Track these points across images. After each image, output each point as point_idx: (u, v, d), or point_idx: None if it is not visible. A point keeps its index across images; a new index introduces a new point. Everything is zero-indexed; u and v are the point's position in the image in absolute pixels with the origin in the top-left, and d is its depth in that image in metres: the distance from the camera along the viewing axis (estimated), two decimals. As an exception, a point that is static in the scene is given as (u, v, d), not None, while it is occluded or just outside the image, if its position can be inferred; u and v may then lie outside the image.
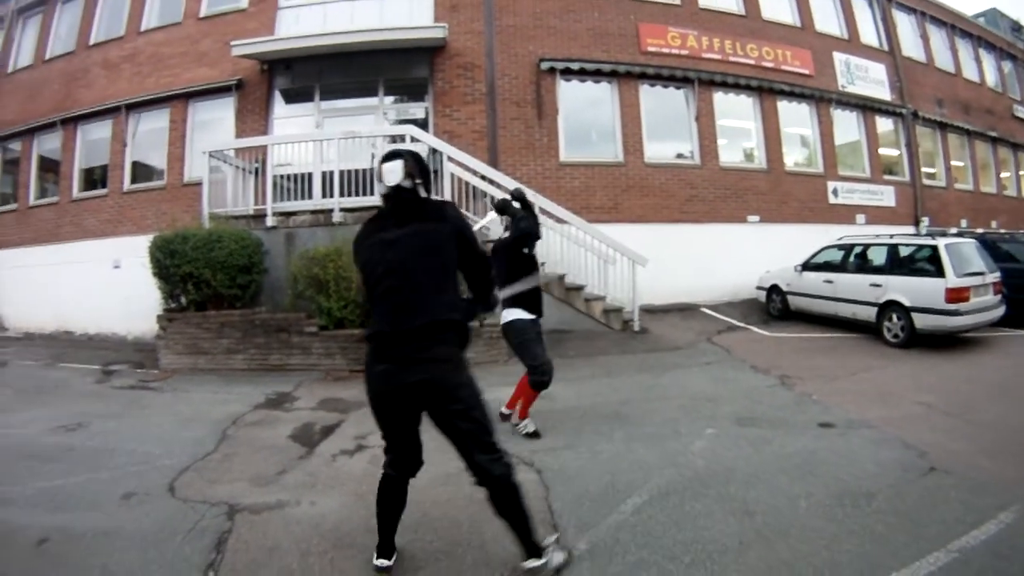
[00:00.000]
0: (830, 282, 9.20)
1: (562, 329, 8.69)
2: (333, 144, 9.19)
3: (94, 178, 13.33)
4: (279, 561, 3.07)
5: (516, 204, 4.89)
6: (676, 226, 11.41)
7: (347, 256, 7.60)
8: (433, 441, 2.82)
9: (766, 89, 12.46)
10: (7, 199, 14.64)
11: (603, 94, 11.70)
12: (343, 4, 11.59)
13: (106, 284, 10.99)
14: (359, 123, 10.99)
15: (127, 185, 12.65)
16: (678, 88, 11.97)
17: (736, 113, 12.50)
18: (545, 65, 11.22)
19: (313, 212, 9.11)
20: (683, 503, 3.49)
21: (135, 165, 12.83)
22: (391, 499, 2.78)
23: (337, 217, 8.79)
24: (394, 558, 2.85)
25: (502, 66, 10.85)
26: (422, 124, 10.99)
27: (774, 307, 10.45)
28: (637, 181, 11.44)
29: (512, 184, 9.01)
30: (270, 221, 8.99)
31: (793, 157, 13.09)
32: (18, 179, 14.42)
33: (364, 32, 10.65)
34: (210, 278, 8.00)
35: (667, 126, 12.02)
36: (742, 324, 9.66)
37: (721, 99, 12.23)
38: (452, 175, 8.92)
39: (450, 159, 8.91)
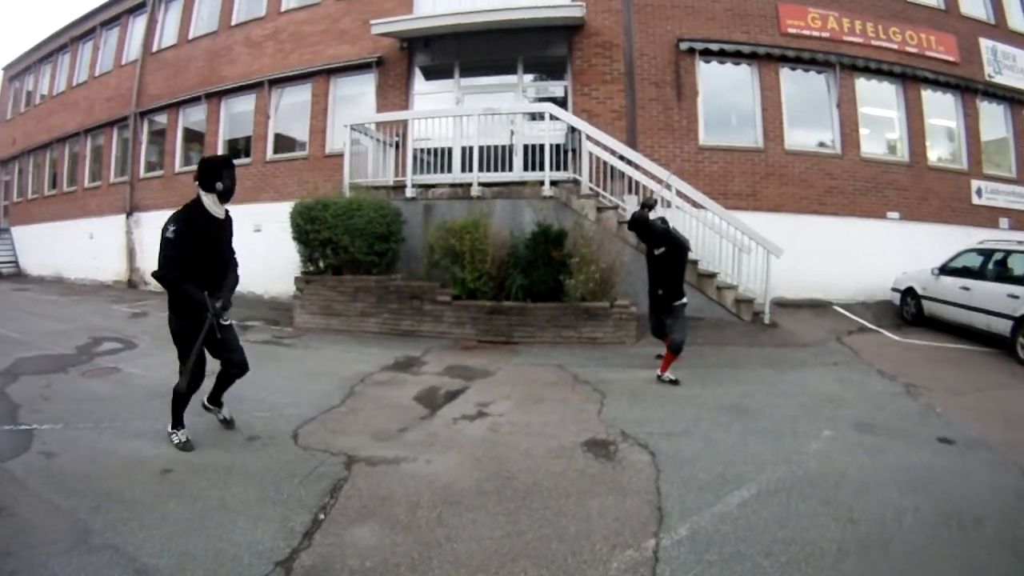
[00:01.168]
0: (966, 289, 8.56)
1: (692, 316, 8.43)
2: (472, 120, 9.38)
3: (237, 148, 14.33)
4: (388, 510, 3.26)
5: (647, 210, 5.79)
6: (813, 217, 11.01)
7: (484, 229, 7.89)
8: (555, 413, 3.09)
9: (910, 76, 11.69)
10: (154, 166, 16.20)
11: (743, 77, 11.33)
12: None
13: (246, 246, 11.55)
14: (499, 100, 11.29)
15: (270, 155, 13.63)
16: (819, 72, 11.44)
17: (878, 101, 11.79)
18: (684, 45, 10.99)
19: (452, 185, 9.41)
20: (789, 502, 3.45)
21: (277, 137, 13.75)
22: None
23: (476, 191, 9.00)
24: None
25: (640, 46, 10.90)
26: (561, 102, 11.13)
27: (908, 311, 9.86)
28: (776, 168, 11.08)
29: (650, 165, 9.10)
30: (410, 192, 9.36)
31: (936, 151, 12.23)
32: (164, 148, 15.90)
33: (501, 11, 10.81)
34: (348, 244, 8.43)
35: (808, 112, 11.50)
36: (873, 327, 9.26)
37: (863, 85, 11.61)
38: (590, 154, 9.04)
39: (588, 138, 9.01)
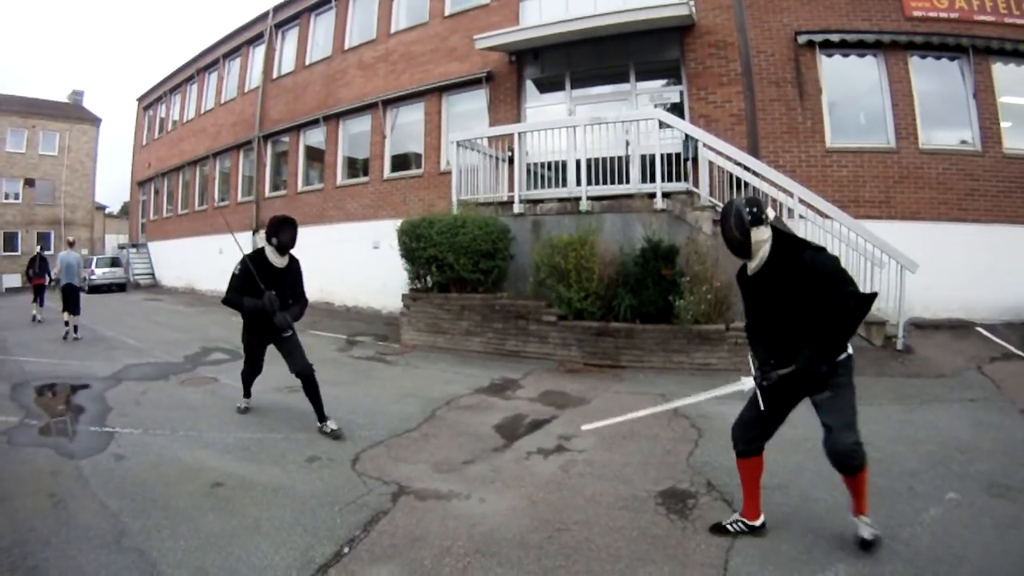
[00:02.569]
0: None
1: None
2: (579, 131, 9.34)
3: (356, 167, 15.35)
4: (415, 553, 3.11)
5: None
6: (953, 225, 10.04)
7: (590, 246, 7.74)
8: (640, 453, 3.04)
9: None
10: (278, 186, 17.62)
11: (868, 69, 10.58)
12: None
13: (365, 263, 12.32)
14: (612, 109, 11.15)
15: (387, 173, 14.43)
16: (952, 59, 10.48)
17: (1020, 89, 10.57)
18: (802, 39, 10.42)
19: (560, 200, 9.37)
20: None
21: (394, 155, 14.52)
22: None
23: (584, 206, 8.92)
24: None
25: (756, 42, 10.38)
26: (677, 108, 11.00)
27: None
28: (911, 171, 10.24)
29: (772, 174, 8.58)
30: (517, 208, 9.43)
31: None
32: (287, 169, 17.25)
33: (605, 16, 10.67)
34: (453, 262, 8.62)
35: (942, 106, 10.56)
36: (1019, 352, 8.11)
37: (1001, 71, 10.45)
38: (709, 163, 8.76)
39: (705, 146, 8.73)
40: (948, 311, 9.73)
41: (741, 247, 3.10)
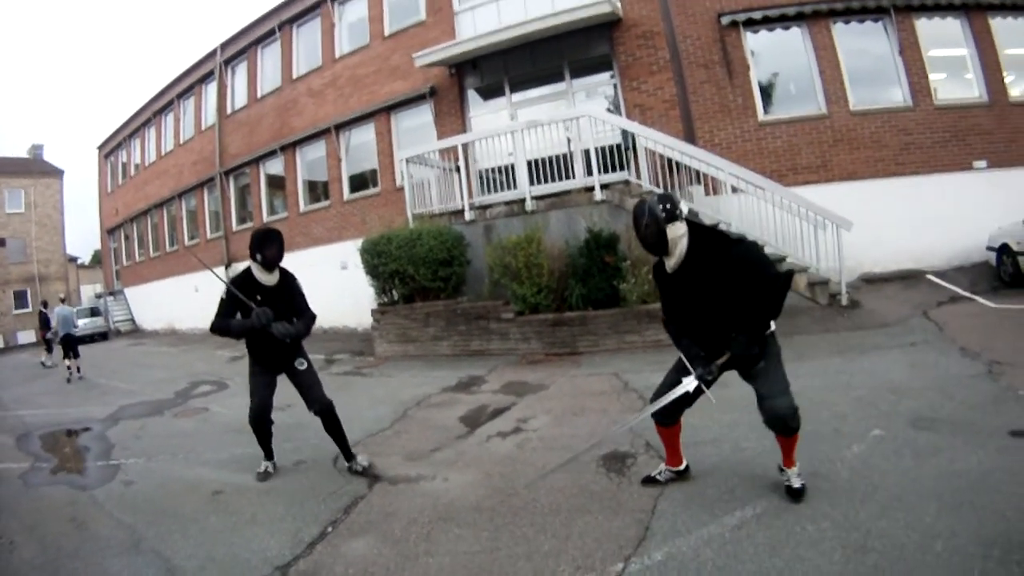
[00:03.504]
0: None
1: None
2: (519, 136, 9.83)
3: (316, 192, 15.90)
4: (387, 526, 3.65)
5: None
6: (892, 180, 10.55)
7: (537, 243, 8.28)
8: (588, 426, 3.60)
9: (972, 6, 10.89)
10: (245, 218, 18.07)
11: (795, 41, 11.06)
12: None
13: (336, 284, 12.60)
14: (552, 109, 11.78)
15: (346, 195, 15.03)
16: (875, 20, 10.95)
17: (944, 40, 11.11)
18: (726, 19, 10.91)
19: (507, 203, 9.96)
20: (796, 523, 3.11)
21: (352, 177, 15.09)
22: None
23: (529, 206, 9.48)
24: None
25: (682, 28, 10.88)
26: (613, 101, 11.61)
27: (1005, 271, 9.06)
28: (844, 133, 10.70)
29: (702, 154, 9.11)
30: (468, 215, 10.02)
31: (1019, 85, 11.23)
32: (251, 201, 17.77)
33: (534, 21, 11.20)
34: (414, 273, 9.15)
35: (871, 67, 11.06)
36: (967, 293, 8.68)
37: (925, 26, 10.94)
38: (646, 150, 9.27)
39: (637, 135, 9.28)
40: (898, 263, 10.25)
41: (657, 245, 3.13)
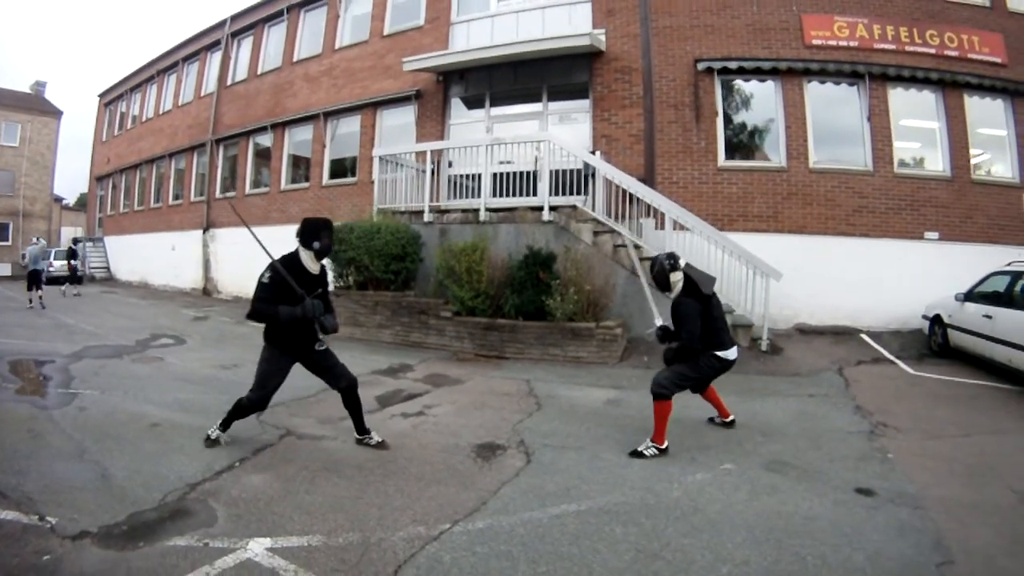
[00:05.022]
0: (989, 317, 7.97)
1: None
2: (484, 150, 10.53)
3: (299, 173, 16.81)
4: (283, 468, 4.45)
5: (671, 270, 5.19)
6: (841, 239, 10.92)
7: (481, 251, 9.01)
8: (482, 419, 4.51)
9: (949, 83, 11.22)
10: (228, 188, 18.89)
11: (766, 93, 11.58)
12: (509, 17, 13.19)
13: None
14: (526, 127, 12.59)
15: (326, 180, 15.88)
16: (851, 84, 11.35)
17: (916, 112, 11.48)
18: (702, 66, 11.39)
19: (463, 211, 10.70)
20: (608, 524, 3.63)
21: (333, 163, 15.96)
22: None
23: (483, 216, 10.24)
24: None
25: (659, 68, 11.38)
26: (583, 128, 12.32)
27: (935, 341, 9.39)
28: (799, 188, 11.10)
29: (651, 195, 9.60)
30: (427, 217, 10.81)
31: (983, 164, 11.69)
32: (238, 172, 18.57)
33: (523, 43, 12.04)
34: (368, 263, 9.92)
35: (836, 128, 11.45)
36: (891, 357, 8.98)
37: (898, 96, 11.32)
38: (605, 179, 9.80)
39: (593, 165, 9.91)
40: (834, 319, 10.66)
41: (663, 284, 5.19)
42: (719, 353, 5.12)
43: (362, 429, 5.04)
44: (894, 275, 10.64)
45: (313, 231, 4.55)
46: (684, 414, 5.66)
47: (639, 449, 4.85)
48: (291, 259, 4.56)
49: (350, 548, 3.34)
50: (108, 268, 26.94)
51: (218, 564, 3.12)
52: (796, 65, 11.33)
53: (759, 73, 11.54)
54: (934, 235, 11.08)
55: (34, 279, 15.46)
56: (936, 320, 9.49)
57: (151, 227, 22.70)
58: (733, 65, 11.50)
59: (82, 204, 40.46)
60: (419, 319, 9.82)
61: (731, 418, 5.66)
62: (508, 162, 10.55)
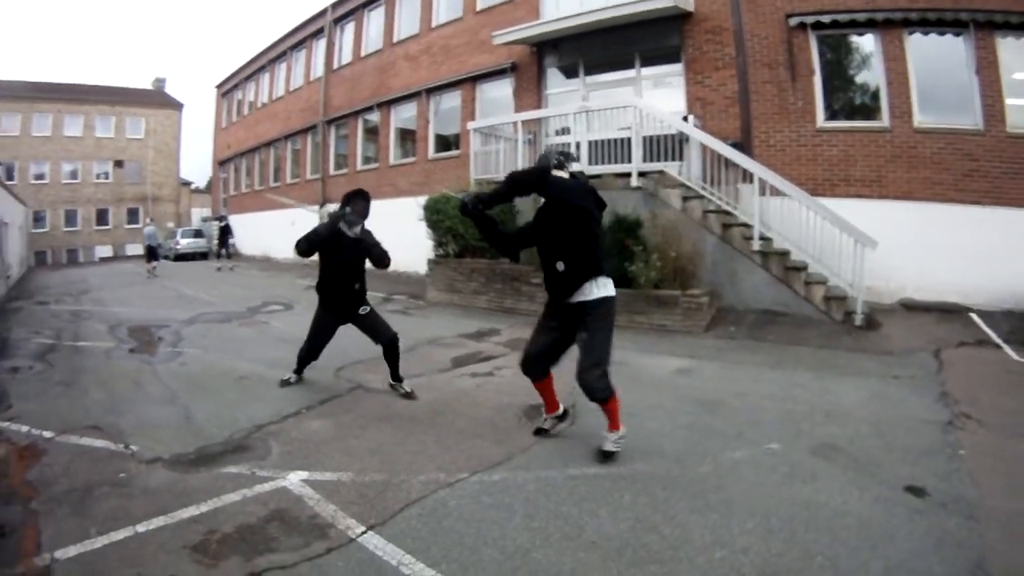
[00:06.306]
0: None
1: (776, 311, 8.79)
2: (572, 119, 11.14)
3: (406, 148, 18.12)
4: (343, 416, 4.99)
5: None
6: (950, 207, 9.94)
7: None
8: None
9: None
10: (341, 165, 20.55)
11: (864, 48, 10.97)
12: None
13: (413, 233, 13.14)
14: (621, 95, 12.62)
15: (431, 154, 16.99)
16: (956, 35, 10.26)
17: None
18: (794, 21, 10.83)
19: None
20: (620, 492, 3.62)
21: (437, 137, 17.02)
22: None
23: None
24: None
25: (750, 26, 11.16)
26: (678, 92, 12.32)
27: None
28: (904, 150, 10.27)
29: (739, 157, 9.41)
30: None
31: None
32: (348, 150, 20.19)
33: (606, 9, 12.12)
34: (463, 232, 10.65)
35: (941, 83, 10.49)
36: (998, 340, 7.91)
37: (1008, 46, 10.07)
38: (701, 144, 9.84)
39: (695, 126, 10.01)
40: (941, 294, 9.76)
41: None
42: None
43: (396, 377, 5.68)
44: (1011, 249, 9.43)
45: (344, 202, 5.44)
46: (751, 388, 5.77)
47: (610, 449, 4.12)
48: (332, 224, 5.34)
49: (372, 486, 3.73)
50: (234, 244, 29.57)
51: (256, 488, 3.69)
52: (894, 15, 10.36)
53: (855, 26, 10.78)
54: (1055, 203, 9.77)
55: (150, 253, 19.65)
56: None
57: (271, 205, 24.35)
58: (827, 19, 10.77)
59: (210, 187, 44.38)
60: (512, 286, 10.40)
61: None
62: (600, 130, 10.90)
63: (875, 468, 3.96)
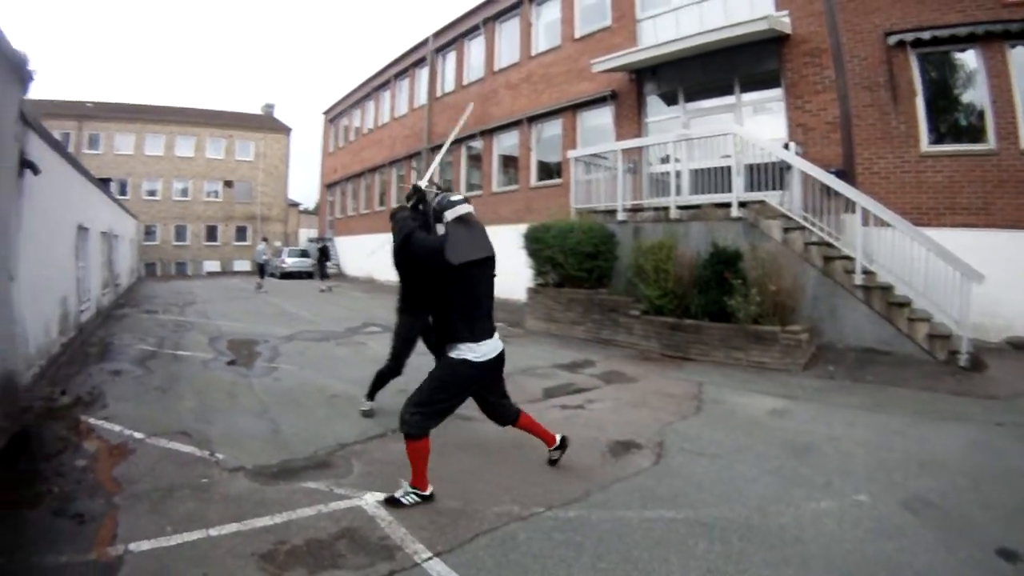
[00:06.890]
0: None
1: (877, 349, 8.51)
2: (671, 147, 11.14)
3: (508, 176, 18.72)
4: (437, 442, 4.19)
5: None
6: None
7: (667, 249, 9.38)
8: (631, 417, 5.00)
9: None
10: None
11: (967, 65, 10.43)
12: (692, 8, 13.51)
13: (514, 261, 12.58)
14: (719, 121, 12.68)
15: (533, 182, 17.50)
16: None
17: None
18: (893, 39, 10.54)
19: (656, 209, 11.17)
20: (695, 538, 3.52)
21: (540, 164, 17.52)
22: None
23: (673, 214, 10.59)
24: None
25: (849, 46, 10.98)
26: (778, 118, 12.20)
27: None
28: (1011, 174, 9.62)
29: (840, 185, 9.04)
30: (620, 216, 11.45)
31: None
32: (451, 177, 20.90)
33: (696, 36, 12.38)
34: (563, 261, 10.80)
35: None
36: None
37: None
38: (801, 172, 9.57)
39: (796, 153, 9.87)
40: None
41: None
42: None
43: (371, 395, 5.97)
44: None
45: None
46: (845, 432, 5.52)
47: (396, 496, 3.96)
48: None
49: (445, 513, 3.79)
50: (338, 265, 30.97)
51: (332, 505, 3.83)
52: (994, 28, 9.84)
53: (955, 42, 10.27)
54: None
55: (261, 270, 23.22)
56: None
57: (375, 228, 25.80)
58: (926, 35, 10.38)
59: (317, 208, 47.03)
60: (609, 316, 10.46)
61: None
62: (701, 159, 11.00)
63: (967, 526, 3.71)
